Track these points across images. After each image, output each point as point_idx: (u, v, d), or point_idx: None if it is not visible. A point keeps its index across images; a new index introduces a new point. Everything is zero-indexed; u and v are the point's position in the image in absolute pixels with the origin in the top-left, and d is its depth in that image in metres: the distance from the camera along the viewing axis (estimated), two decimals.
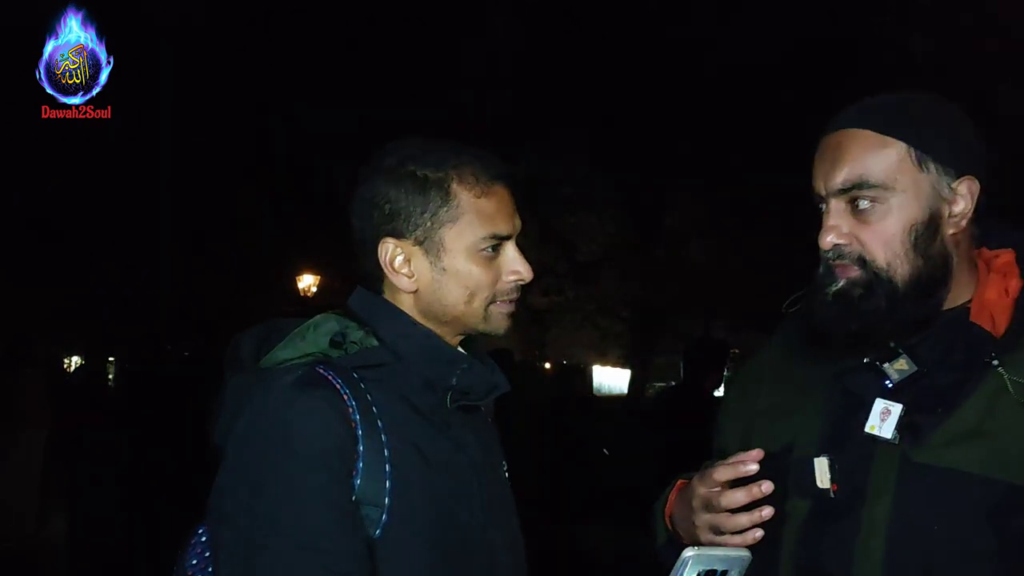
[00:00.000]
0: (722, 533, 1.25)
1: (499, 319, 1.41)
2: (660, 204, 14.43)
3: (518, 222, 1.41)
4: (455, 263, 1.36)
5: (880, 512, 1.23)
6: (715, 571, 1.15)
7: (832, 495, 1.27)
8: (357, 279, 1.44)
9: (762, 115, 11.04)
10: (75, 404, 8.51)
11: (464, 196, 1.35)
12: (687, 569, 1.13)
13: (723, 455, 1.37)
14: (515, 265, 1.39)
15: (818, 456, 1.29)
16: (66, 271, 12.89)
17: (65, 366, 14.46)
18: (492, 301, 1.39)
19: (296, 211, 12.62)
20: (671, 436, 4.76)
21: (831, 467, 1.27)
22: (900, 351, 1.29)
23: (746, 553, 1.18)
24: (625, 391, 15.83)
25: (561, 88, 12.18)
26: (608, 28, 11.82)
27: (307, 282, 15.35)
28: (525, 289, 1.45)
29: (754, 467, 1.24)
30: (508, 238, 1.39)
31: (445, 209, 1.34)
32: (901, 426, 1.25)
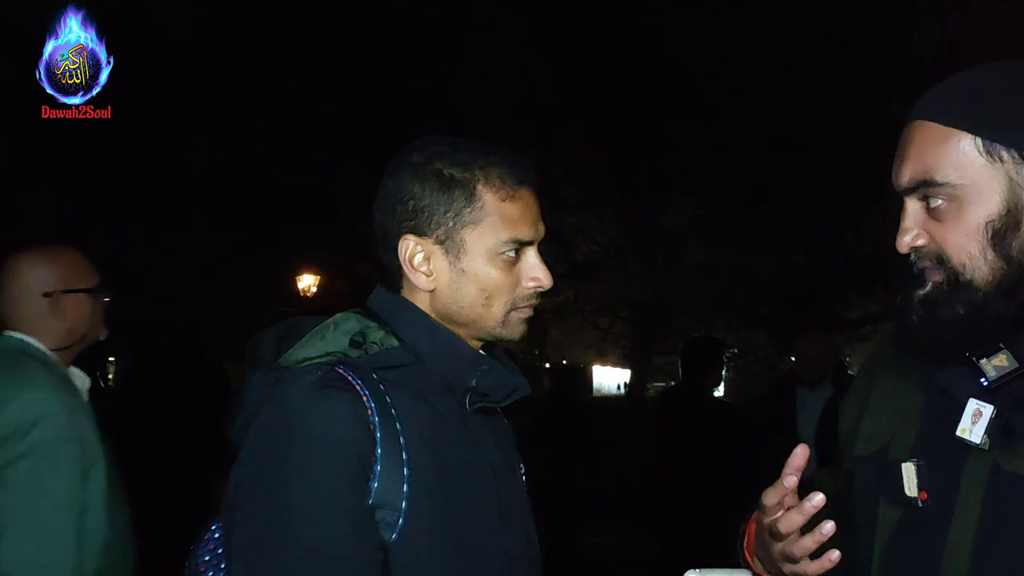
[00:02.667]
0: (796, 561, 1.17)
1: (517, 325, 1.39)
2: (660, 204, 14.44)
3: (541, 228, 1.39)
4: (474, 265, 1.34)
5: (967, 525, 1.13)
6: None
7: (920, 504, 1.17)
8: (362, 278, 1.44)
9: (761, 115, 11.04)
10: None
11: (489, 198, 1.34)
12: None
13: (838, 458, 1.33)
14: (535, 272, 1.38)
15: (906, 461, 1.19)
16: None
17: None
18: (514, 307, 1.37)
19: (296, 211, 12.61)
20: (671, 435, 4.78)
21: (919, 473, 1.18)
22: (1001, 345, 1.16)
23: (749, 575, 1.16)
24: (623, 391, 15.84)
25: (561, 88, 12.18)
26: (608, 28, 11.82)
27: (307, 282, 15.32)
28: None
29: (793, 480, 1.17)
30: (530, 243, 1.38)
31: (469, 210, 1.33)
32: (993, 430, 1.13)
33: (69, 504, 1.99)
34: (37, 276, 2.19)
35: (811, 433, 4.46)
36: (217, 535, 1.35)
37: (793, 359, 6.25)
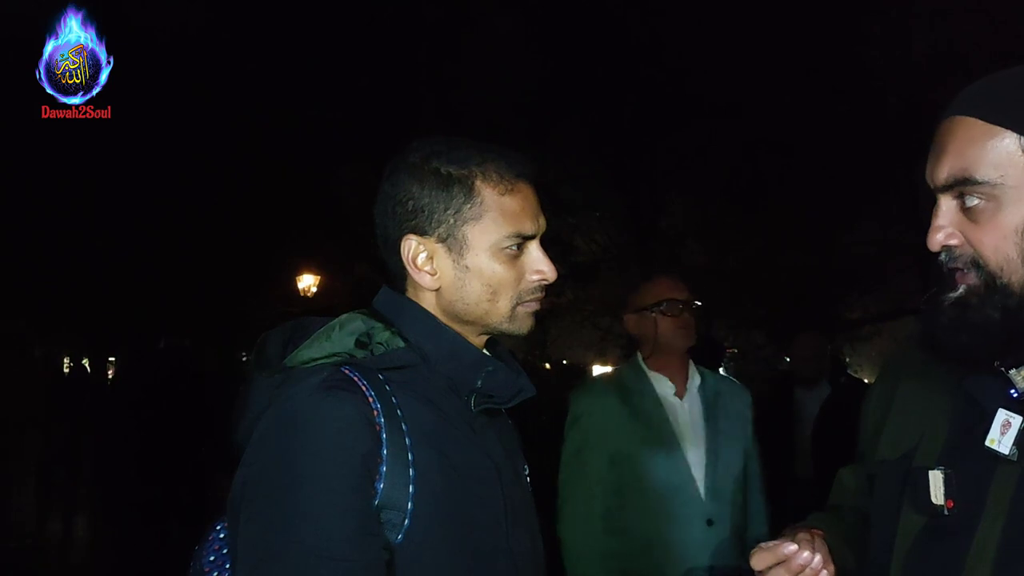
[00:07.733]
0: None
1: (524, 319, 1.39)
2: (659, 204, 14.44)
3: (542, 221, 1.39)
4: (478, 261, 1.34)
5: (992, 536, 1.11)
6: None
7: (946, 512, 1.16)
8: (362, 278, 1.44)
9: (761, 115, 11.04)
10: (74, 404, 8.52)
11: (488, 194, 1.34)
12: None
13: (860, 458, 1.33)
14: (539, 264, 1.38)
15: (933, 469, 1.18)
16: (66, 271, 12.89)
17: (64, 366, 14.46)
18: (519, 302, 1.37)
19: (296, 211, 12.61)
20: None
21: (947, 482, 1.16)
22: None
23: None
24: None
25: (561, 88, 12.18)
26: (608, 28, 11.83)
27: (307, 282, 15.31)
28: None
29: (792, 547, 1.21)
30: (532, 237, 1.38)
31: (469, 206, 1.33)
32: (1023, 441, 1.11)
33: None
34: None
35: (807, 432, 4.47)
36: (222, 535, 1.34)
37: (788, 359, 6.25)
